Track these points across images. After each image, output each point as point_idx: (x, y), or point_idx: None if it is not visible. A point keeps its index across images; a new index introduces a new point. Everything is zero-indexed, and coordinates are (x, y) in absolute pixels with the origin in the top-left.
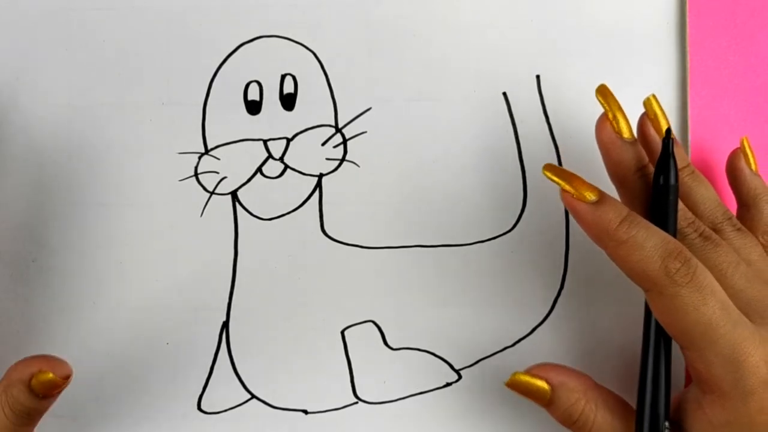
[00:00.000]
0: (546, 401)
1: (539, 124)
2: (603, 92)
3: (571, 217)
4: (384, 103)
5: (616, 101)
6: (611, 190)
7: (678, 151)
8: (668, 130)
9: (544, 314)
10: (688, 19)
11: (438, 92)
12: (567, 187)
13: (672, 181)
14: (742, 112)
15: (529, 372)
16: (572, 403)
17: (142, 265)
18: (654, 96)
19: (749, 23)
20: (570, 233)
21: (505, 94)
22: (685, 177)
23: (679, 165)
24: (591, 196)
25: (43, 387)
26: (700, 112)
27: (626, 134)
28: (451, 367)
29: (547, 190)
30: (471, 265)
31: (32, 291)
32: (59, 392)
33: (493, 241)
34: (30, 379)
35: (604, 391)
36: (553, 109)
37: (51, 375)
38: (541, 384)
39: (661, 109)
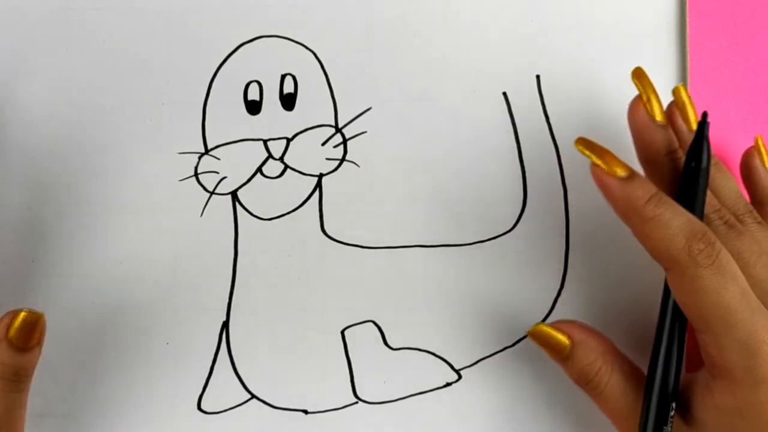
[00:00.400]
0: (564, 356)
1: (539, 124)
2: (638, 75)
3: (571, 217)
4: (384, 103)
5: (651, 84)
6: None
7: None
8: (705, 114)
9: (544, 314)
10: (688, 19)
11: (438, 92)
12: (598, 162)
13: (704, 164)
14: (742, 112)
15: (552, 325)
16: (589, 362)
17: (141, 265)
18: (683, 85)
19: (749, 23)
20: (570, 233)
21: (505, 94)
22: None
23: None
24: (621, 172)
25: (21, 332)
26: (700, 112)
27: (659, 117)
28: (451, 367)
29: (547, 190)
30: (471, 265)
31: (32, 291)
32: (38, 339)
33: (493, 241)
34: (6, 334)
35: (622, 357)
36: (553, 109)
37: (23, 312)
38: (562, 338)
39: (689, 98)
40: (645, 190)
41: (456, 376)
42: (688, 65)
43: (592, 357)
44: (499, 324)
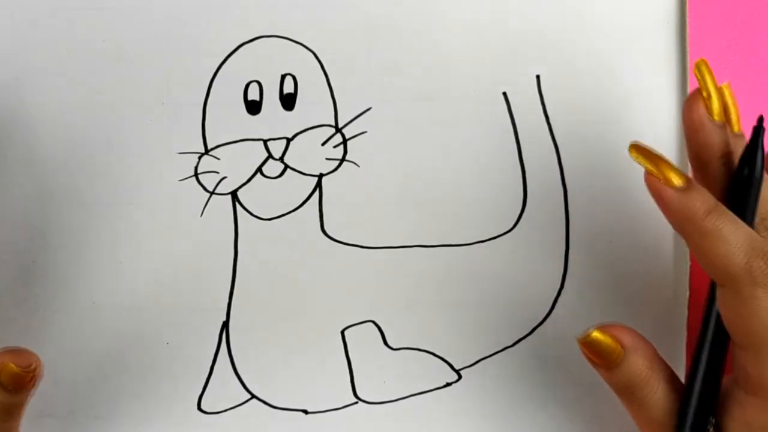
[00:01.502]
0: (615, 364)
1: (539, 124)
2: (701, 67)
3: (571, 217)
4: (384, 103)
5: (713, 78)
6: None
7: None
8: (760, 119)
9: (544, 314)
10: (688, 19)
11: (438, 92)
12: (653, 170)
13: (757, 173)
14: (742, 112)
15: (605, 331)
16: (640, 371)
17: (142, 265)
18: (728, 84)
19: (749, 23)
20: (570, 233)
21: (505, 94)
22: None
23: None
24: (678, 182)
25: (12, 381)
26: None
27: (718, 116)
28: (451, 367)
29: (547, 190)
30: (471, 265)
31: (32, 291)
32: (32, 386)
33: (493, 241)
34: None
35: (667, 366)
36: (553, 109)
37: (15, 369)
38: (616, 345)
39: (733, 98)
40: (704, 202)
41: (456, 376)
42: (688, 65)
43: (644, 365)
44: (499, 324)
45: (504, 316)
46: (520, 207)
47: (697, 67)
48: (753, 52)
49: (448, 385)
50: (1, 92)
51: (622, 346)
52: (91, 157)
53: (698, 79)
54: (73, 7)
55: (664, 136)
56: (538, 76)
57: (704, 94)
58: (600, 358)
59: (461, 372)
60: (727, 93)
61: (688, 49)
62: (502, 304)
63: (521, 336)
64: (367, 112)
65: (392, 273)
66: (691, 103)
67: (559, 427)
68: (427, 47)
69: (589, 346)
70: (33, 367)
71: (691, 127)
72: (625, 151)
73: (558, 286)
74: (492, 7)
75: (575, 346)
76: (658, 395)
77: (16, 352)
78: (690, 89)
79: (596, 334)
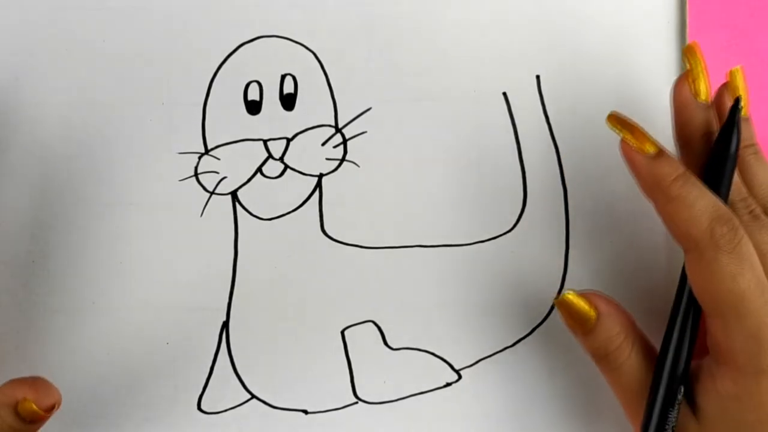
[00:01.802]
0: (588, 328)
1: (539, 124)
2: (690, 51)
3: (571, 217)
4: (384, 103)
5: (702, 62)
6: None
7: (746, 127)
8: (738, 99)
9: (544, 314)
10: (688, 19)
11: (438, 92)
12: (628, 137)
13: (732, 149)
14: None
15: (579, 294)
16: (612, 335)
17: (142, 265)
18: (740, 68)
19: (749, 23)
20: (570, 233)
21: (505, 94)
22: (748, 155)
23: (746, 141)
24: (650, 149)
25: (29, 415)
26: None
27: (703, 96)
28: (451, 367)
29: (547, 190)
30: (471, 265)
31: (32, 291)
32: (49, 417)
33: (493, 241)
34: (16, 404)
35: (642, 334)
36: (553, 109)
37: (34, 407)
38: (590, 309)
39: (744, 83)
40: (672, 168)
41: (456, 376)
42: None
43: (616, 330)
44: (499, 324)
45: (504, 316)
46: (520, 207)
47: (687, 50)
48: (753, 52)
49: (448, 385)
50: (1, 92)
51: (597, 311)
52: (91, 157)
53: (685, 62)
54: (73, 7)
55: (664, 136)
56: (538, 76)
57: (691, 75)
58: (574, 320)
59: (461, 372)
60: (738, 77)
61: None
62: (502, 304)
63: (521, 336)
64: (367, 112)
65: (392, 273)
66: (679, 84)
67: (559, 426)
68: (427, 47)
69: (564, 307)
70: (52, 406)
71: (676, 105)
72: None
73: (558, 286)
74: (492, 8)
75: (575, 346)
76: (631, 361)
77: (38, 386)
78: None
79: (570, 296)
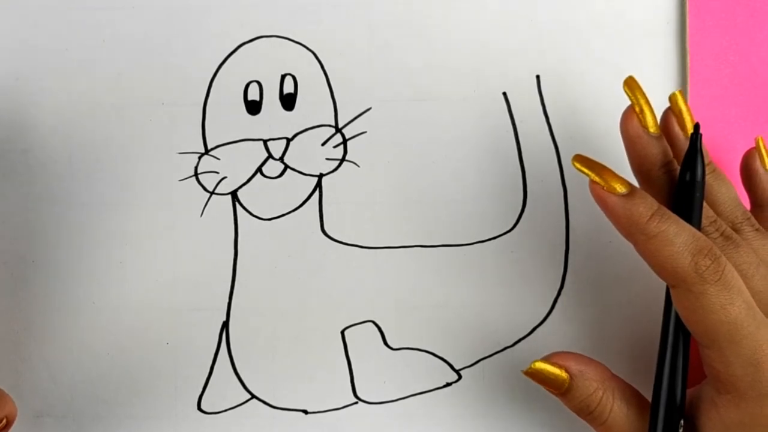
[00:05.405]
0: (563, 390)
1: (539, 124)
2: (630, 85)
3: (571, 217)
4: (384, 103)
5: (643, 94)
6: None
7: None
8: (697, 126)
9: (544, 314)
10: (688, 19)
11: (438, 92)
12: (596, 179)
13: (699, 177)
14: (742, 112)
15: (548, 360)
16: (590, 393)
17: (142, 265)
18: (680, 92)
19: (749, 23)
20: (570, 233)
21: (505, 94)
22: (707, 175)
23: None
24: (621, 189)
25: None
26: (700, 112)
27: (652, 128)
28: (451, 367)
29: (547, 190)
30: (471, 265)
31: (32, 291)
32: (7, 428)
33: (493, 241)
34: None
35: (621, 382)
36: (553, 109)
37: None
38: (560, 372)
39: (687, 105)
40: (647, 207)
41: (456, 376)
42: (688, 65)
43: (593, 387)
44: (499, 324)
45: (504, 316)
46: (520, 207)
47: (626, 84)
48: (753, 52)
49: (448, 385)
50: (1, 92)
51: (568, 372)
52: (91, 157)
53: (628, 96)
54: (73, 7)
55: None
56: (538, 76)
57: (637, 109)
58: (548, 385)
59: (461, 372)
60: (680, 100)
61: (688, 49)
62: (502, 304)
63: (521, 336)
64: (367, 112)
65: (392, 273)
66: (626, 118)
67: (559, 426)
68: (427, 47)
69: (534, 376)
70: (2, 423)
71: (629, 140)
72: (625, 151)
73: (558, 286)
74: (492, 8)
75: (575, 346)
76: (615, 413)
77: None
78: (690, 89)
79: (538, 364)
